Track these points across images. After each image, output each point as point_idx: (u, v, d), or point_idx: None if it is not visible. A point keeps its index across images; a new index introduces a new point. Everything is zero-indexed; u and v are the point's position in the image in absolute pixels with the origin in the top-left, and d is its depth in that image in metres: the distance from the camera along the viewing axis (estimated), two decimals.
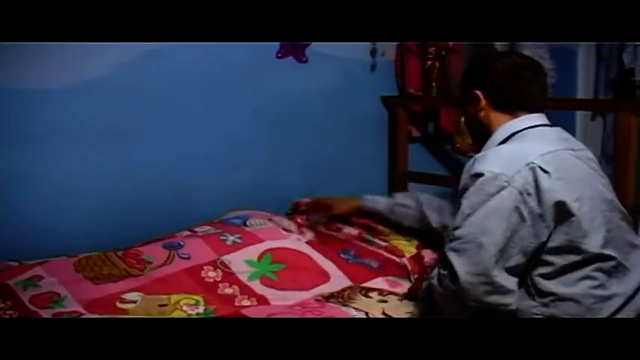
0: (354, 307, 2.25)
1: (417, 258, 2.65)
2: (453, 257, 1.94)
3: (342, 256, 2.61)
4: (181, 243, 2.49)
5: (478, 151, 2.17)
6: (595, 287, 1.95)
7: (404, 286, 2.45)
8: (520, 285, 1.97)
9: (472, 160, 2.05)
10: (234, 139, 3.27)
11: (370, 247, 2.75)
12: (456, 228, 1.97)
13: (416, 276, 2.54)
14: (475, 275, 1.90)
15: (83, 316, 2.13)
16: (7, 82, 2.69)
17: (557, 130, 2.18)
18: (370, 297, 2.35)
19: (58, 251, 2.60)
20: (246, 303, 2.30)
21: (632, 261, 2.03)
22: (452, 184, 3.77)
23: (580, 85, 4.62)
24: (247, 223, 2.75)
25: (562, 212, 1.91)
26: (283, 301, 2.31)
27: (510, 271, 1.93)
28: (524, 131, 2.10)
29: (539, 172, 1.92)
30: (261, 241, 2.54)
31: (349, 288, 2.40)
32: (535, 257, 1.95)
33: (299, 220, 2.92)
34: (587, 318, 1.94)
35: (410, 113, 3.81)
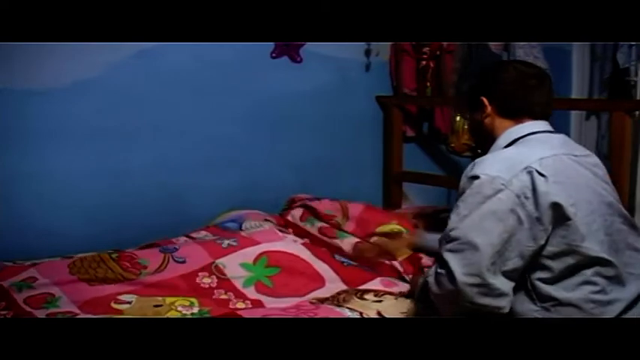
0: (348, 308, 2.25)
1: (413, 259, 2.65)
2: (449, 258, 1.93)
3: (337, 258, 2.60)
4: (177, 247, 2.47)
5: (478, 155, 2.18)
6: (595, 292, 1.94)
7: (400, 286, 2.45)
8: (521, 289, 1.98)
9: (472, 163, 2.05)
10: (229, 139, 3.27)
11: None
12: (453, 229, 1.96)
13: (411, 276, 2.53)
14: (471, 276, 1.89)
15: (78, 316, 2.12)
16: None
17: (560, 137, 2.17)
18: (365, 299, 2.34)
19: (53, 251, 2.60)
20: (240, 305, 2.30)
21: (635, 265, 2.02)
22: (446, 185, 3.79)
23: (574, 85, 4.63)
24: (243, 226, 2.74)
25: (559, 215, 1.91)
26: (277, 305, 2.31)
27: (507, 274, 1.93)
28: (527, 137, 2.11)
29: (537, 176, 1.92)
30: (258, 243, 2.53)
31: (344, 292, 2.39)
32: (534, 261, 1.94)
33: (290, 218, 2.93)
34: (586, 318, 1.93)
35: (404, 113, 3.81)
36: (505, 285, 1.93)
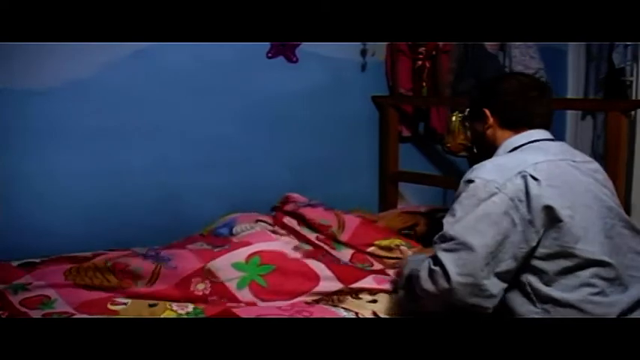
0: (343, 308, 2.25)
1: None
2: (444, 257, 1.96)
3: (328, 257, 2.59)
4: (170, 257, 2.41)
5: (474, 155, 2.31)
6: (595, 294, 1.94)
7: (390, 283, 2.44)
8: (520, 292, 2.00)
9: (471, 169, 2.10)
10: (224, 138, 3.27)
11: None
12: (448, 230, 2.00)
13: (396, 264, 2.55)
14: (465, 276, 1.92)
15: (73, 317, 2.12)
16: None
17: (559, 144, 2.20)
18: (360, 298, 2.35)
19: (48, 250, 2.60)
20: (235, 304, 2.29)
21: (638, 268, 2.03)
22: (442, 184, 3.79)
23: (570, 85, 4.64)
24: (234, 230, 2.71)
25: (552, 218, 1.94)
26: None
27: (500, 276, 1.96)
28: (526, 145, 2.16)
29: (530, 180, 1.95)
30: (249, 244, 2.49)
31: (339, 291, 2.38)
32: (530, 263, 1.97)
33: (286, 221, 2.90)
34: (586, 318, 1.93)
35: (400, 113, 3.81)
36: (496, 287, 1.96)
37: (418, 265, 2.10)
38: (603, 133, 4.13)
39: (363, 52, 3.71)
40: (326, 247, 2.75)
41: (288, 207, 2.99)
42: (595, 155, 4.49)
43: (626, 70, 4.14)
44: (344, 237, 2.79)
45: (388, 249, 2.69)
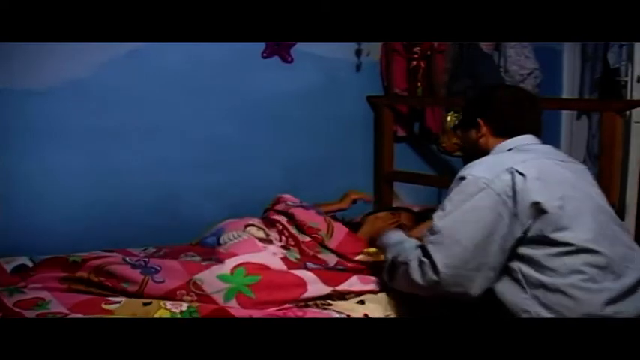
0: (334, 311, 2.26)
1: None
2: (432, 249, 2.08)
3: (311, 265, 2.57)
4: (158, 268, 2.37)
5: (469, 155, 2.39)
6: (584, 280, 1.99)
7: (375, 281, 2.45)
8: (510, 279, 2.08)
9: (464, 167, 2.20)
10: (219, 139, 3.28)
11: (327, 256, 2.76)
12: (437, 223, 2.11)
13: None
14: (452, 267, 2.04)
15: (68, 316, 2.11)
16: None
17: (547, 147, 2.32)
18: (348, 299, 2.36)
19: (46, 250, 2.60)
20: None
21: (633, 260, 2.09)
22: (437, 184, 3.79)
23: (565, 85, 4.64)
24: (221, 240, 2.68)
25: (538, 210, 2.02)
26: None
27: (487, 267, 2.06)
28: (515, 148, 2.27)
29: (517, 176, 2.04)
30: (234, 255, 2.46)
31: (326, 295, 2.37)
32: (520, 251, 2.05)
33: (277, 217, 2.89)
34: (585, 318, 1.96)
35: (395, 113, 3.81)
36: (482, 278, 2.06)
37: (400, 250, 2.26)
38: (598, 132, 4.14)
39: (358, 52, 3.71)
40: (311, 252, 2.75)
41: (279, 207, 2.97)
42: (590, 155, 4.50)
43: (621, 70, 4.15)
44: (332, 244, 2.78)
45: (377, 254, 2.68)
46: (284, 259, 2.52)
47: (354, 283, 2.43)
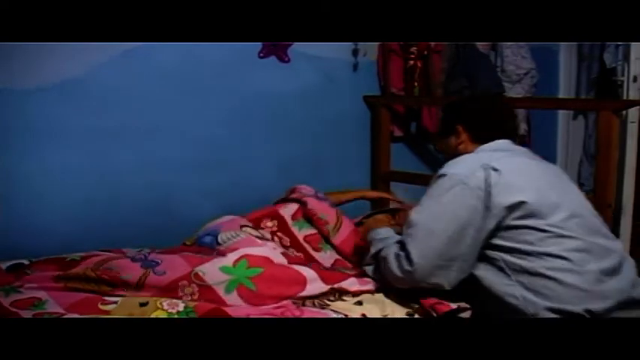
0: (332, 310, 2.25)
1: None
2: (408, 241, 2.21)
3: (311, 263, 2.58)
4: (158, 261, 2.37)
5: None
6: (566, 264, 2.07)
7: (373, 282, 2.45)
8: (495, 268, 2.16)
9: (443, 166, 2.32)
10: (216, 138, 3.27)
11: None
12: (414, 218, 2.23)
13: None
14: (425, 258, 2.17)
15: (64, 316, 2.11)
16: None
17: (523, 148, 2.45)
18: (345, 300, 2.35)
19: (43, 250, 2.59)
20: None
21: (608, 247, 2.16)
22: None
23: (562, 85, 4.65)
24: (219, 239, 2.67)
25: (513, 202, 2.11)
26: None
27: (462, 258, 2.17)
28: (492, 149, 2.38)
29: (491, 171, 2.14)
30: (236, 249, 2.47)
31: (323, 294, 2.38)
32: (500, 242, 2.15)
33: (281, 211, 2.88)
34: (585, 318, 2.00)
35: (392, 113, 3.81)
36: (456, 269, 2.18)
37: (384, 244, 2.37)
38: (595, 132, 4.14)
39: (355, 52, 3.71)
40: (309, 249, 2.75)
41: (294, 195, 2.96)
42: (586, 155, 4.51)
43: (618, 70, 4.16)
44: (336, 239, 2.78)
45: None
46: (285, 253, 2.53)
47: (352, 283, 2.43)
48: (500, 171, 2.13)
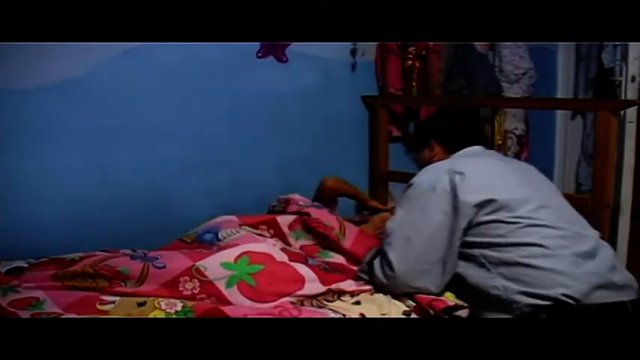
0: (331, 310, 2.26)
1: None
2: (387, 249, 2.33)
3: (311, 262, 2.57)
4: (157, 256, 2.38)
5: None
6: (541, 250, 2.16)
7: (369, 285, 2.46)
8: (476, 264, 2.26)
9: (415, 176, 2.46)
10: (214, 138, 3.28)
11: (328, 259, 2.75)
12: (389, 227, 2.37)
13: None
14: (406, 262, 2.28)
15: (62, 316, 2.11)
16: None
17: (492, 151, 2.64)
18: (343, 300, 2.36)
19: (42, 250, 2.59)
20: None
21: (582, 234, 2.27)
22: None
23: (560, 85, 4.65)
24: (220, 236, 2.68)
25: (481, 201, 2.23)
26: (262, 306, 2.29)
27: (441, 259, 2.28)
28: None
29: (455, 175, 2.27)
30: (238, 245, 2.48)
31: (322, 293, 2.38)
32: (475, 239, 2.25)
33: (279, 220, 2.87)
34: (583, 318, 2.03)
35: (390, 113, 3.81)
36: (437, 271, 2.28)
37: (374, 253, 2.48)
38: (593, 132, 4.14)
39: (353, 52, 3.71)
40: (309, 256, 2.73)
41: (292, 208, 2.96)
42: (585, 155, 4.51)
43: (616, 70, 4.15)
44: (346, 243, 2.78)
45: None
46: (284, 249, 2.54)
47: (349, 284, 2.44)
48: (464, 174, 2.26)
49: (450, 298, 2.33)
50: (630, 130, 3.91)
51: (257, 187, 3.35)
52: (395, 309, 2.30)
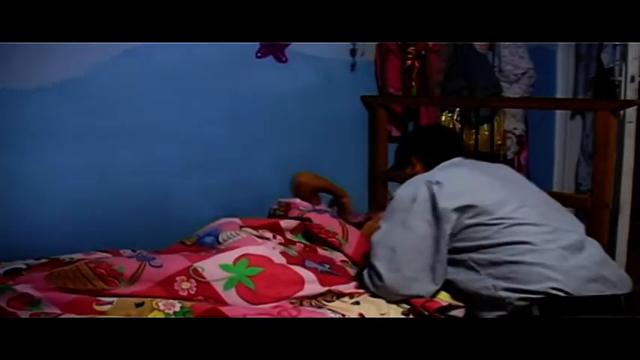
0: (330, 310, 2.26)
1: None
2: (374, 260, 2.37)
3: (308, 264, 2.57)
4: (154, 256, 2.36)
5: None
6: (526, 247, 2.20)
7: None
8: (465, 268, 2.29)
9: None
10: (214, 138, 3.28)
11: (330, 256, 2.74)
12: (374, 239, 2.40)
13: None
14: (393, 271, 2.31)
15: (61, 316, 2.10)
16: None
17: (471, 161, 2.65)
18: (342, 301, 2.36)
19: (42, 250, 2.60)
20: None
21: (566, 228, 2.31)
22: None
23: (559, 85, 4.64)
24: (220, 238, 2.67)
25: (461, 207, 2.27)
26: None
27: (428, 267, 2.31)
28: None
29: (433, 185, 2.32)
30: (237, 247, 2.46)
31: (321, 294, 2.38)
32: (461, 244, 2.29)
33: (282, 224, 2.86)
34: (583, 318, 2.03)
35: (390, 113, 3.82)
36: (425, 278, 2.31)
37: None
38: (592, 132, 4.14)
39: (353, 52, 3.72)
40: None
41: (293, 213, 2.94)
42: (584, 155, 4.51)
43: (615, 70, 4.15)
44: (349, 249, 2.78)
45: None
46: (283, 252, 2.53)
47: (348, 287, 2.44)
48: (442, 182, 2.32)
49: (444, 299, 2.34)
50: (630, 130, 3.91)
51: (257, 187, 3.35)
52: (394, 309, 2.31)
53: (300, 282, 2.36)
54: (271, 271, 2.36)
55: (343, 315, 2.22)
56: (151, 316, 2.13)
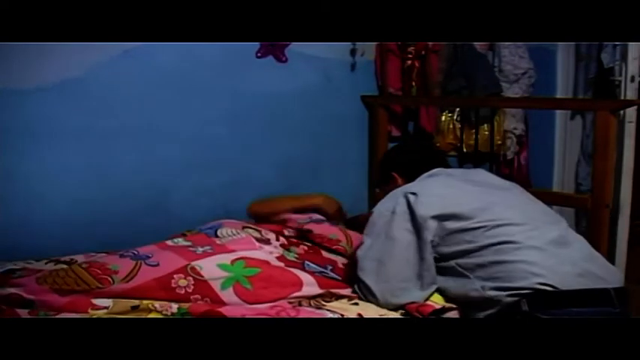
0: (328, 310, 2.26)
1: None
2: (361, 275, 2.38)
3: (307, 268, 2.56)
4: (149, 255, 2.36)
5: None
6: (508, 246, 2.23)
7: None
8: (455, 275, 2.31)
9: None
10: (214, 138, 3.28)
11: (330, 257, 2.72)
12: (359, 254, 2.43)
13: None
14: (381, 282, 2.33)
15: (57, 316, 2.10)
16: None
17: (452, 170, 2.71)
18: (342, 302, 2.36)
19: (39, 250, 2.60)
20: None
21: (548, 223, 2.37)
22: None
23: (559, 85, 4.64)
24: (218, 233, 2.66)
25: (440, 215, 2.32)
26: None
27: (415, 275, 2.34)
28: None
29: (409, 195, 2.38)
30: (233, 251, 2.45)
31: (319, 295, 2.38)
32: (446, 251, 2.33)
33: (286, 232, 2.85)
34: (582, 318, 2.02)
35: (390, 113, 3.82)
36: (414, 287, 2.34)
37: None
38: (592, 132, 4.14)
39: (353, 52, 3.72)
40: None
41: (291, 224, 2.90)
42: (584, 154, 4.51)
43: (615, 70, 4.15)
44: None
45: None
46: (280, 257, 2.52)
47: (348, 290, 2.44)
48: (417, 193, 2.37)
49: (437, 302, 2.34)
50: (630, 129, 3.91)
51: (257, 187, 3.35)
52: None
53: (299, 283, 2.36)
54: (269, 272, 2.36)
55: (342, 315, 2.22)
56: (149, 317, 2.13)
